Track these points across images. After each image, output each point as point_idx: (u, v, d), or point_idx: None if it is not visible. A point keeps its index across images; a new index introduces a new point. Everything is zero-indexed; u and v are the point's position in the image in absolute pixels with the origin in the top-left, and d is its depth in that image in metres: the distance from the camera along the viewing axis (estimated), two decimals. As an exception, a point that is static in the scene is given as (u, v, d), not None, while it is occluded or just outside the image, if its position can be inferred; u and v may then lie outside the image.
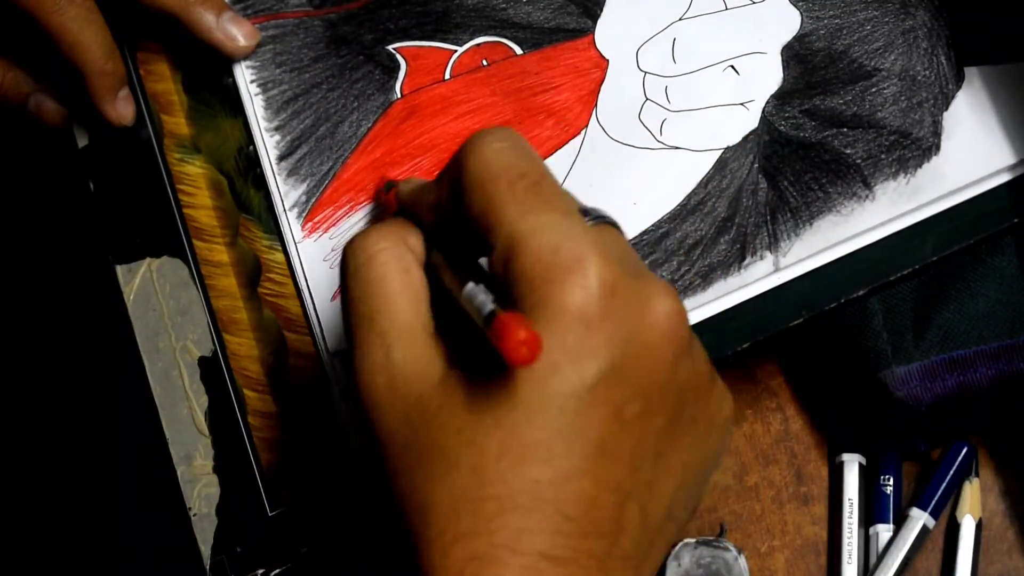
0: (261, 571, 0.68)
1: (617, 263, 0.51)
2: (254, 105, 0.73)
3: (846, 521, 0.72)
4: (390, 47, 0.73)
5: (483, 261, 0.53)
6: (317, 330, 0.70)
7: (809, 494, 0.73)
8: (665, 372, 0.52)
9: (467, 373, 0.52)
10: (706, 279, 0.69)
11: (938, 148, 0.69)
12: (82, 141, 0.74)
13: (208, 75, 0.74)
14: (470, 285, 0.51)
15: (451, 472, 0.51)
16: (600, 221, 0.54)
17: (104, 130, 0.73)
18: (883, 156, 0.69)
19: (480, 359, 0.51)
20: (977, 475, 0.72)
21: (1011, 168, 0.68)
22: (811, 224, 0.68)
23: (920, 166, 0.69)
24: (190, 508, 0.69)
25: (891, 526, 0.72)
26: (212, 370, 0.70)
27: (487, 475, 0.50)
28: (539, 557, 0.50)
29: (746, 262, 0.68)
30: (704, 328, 0.67)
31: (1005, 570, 0.72)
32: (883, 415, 0.71)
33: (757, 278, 0.68)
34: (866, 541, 0.72)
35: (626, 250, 0.53)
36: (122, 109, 0.72)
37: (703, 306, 0.68)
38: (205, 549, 0.68)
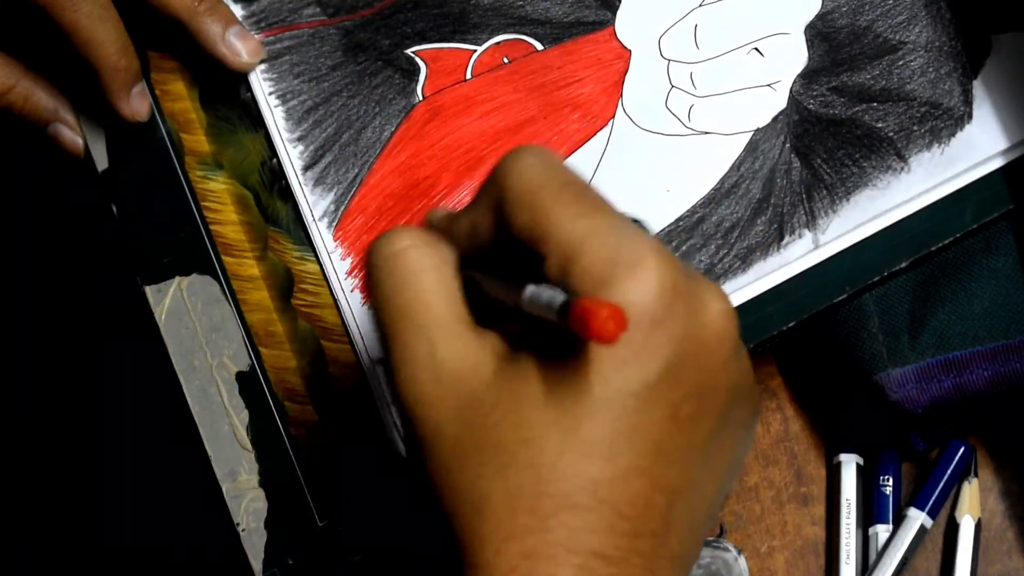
0: (314, 582, 0.67)
1: (675, 262, 0.51)
2: (274, 117, 0.72)
3: (843, 521, 0.72)
4: (408, 51, 0.73)
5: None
6: (357, 337, 0.69)
7: (809, 494, 0.73)
8: (718, 373, 0.51)
9: (520, 369, 0.51)
10: (745, 261, 0.68)
11: (970, 116, 0.69)
12: (102, 164, 0.73)
13: (225, 90, 0.73)
14: (531, 286, 0.50)
15: (507, 468, 0.50)
16: (635, 224, 0.54)
17: (123, 152, 0.73)
18: (915, 128, 0.69)
19: (534, 356, 0.51)
20: (976, 475, 0.72)
21: (1046, 131, 0.69)
22: (848, 199, 0.68)
23: (953, 135, 0.69)
24: (238, 524, 0.68)
25: (890, 526, 0.72)
26: (250, 384, 0.70)
27: (545, 472, 0.50)
28: (592, 556, 0.49)
29: (785, 241, 0.68)
30: (747, 310, 0.67)
31: (1005, 570, 0.72)
32: (880, 417, 0.70)
33: (797, 256, 0.68)
34: (865, 541, 0.72)
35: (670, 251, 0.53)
36: (136, 105, 0.71)
37: (744, 288, 0.67)
38: (256, 563, 0.68)
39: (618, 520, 0.50)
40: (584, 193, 0.52)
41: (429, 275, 0.54)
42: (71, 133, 0.73)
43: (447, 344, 0.52)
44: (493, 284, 0.54)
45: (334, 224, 0.71)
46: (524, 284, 0.51)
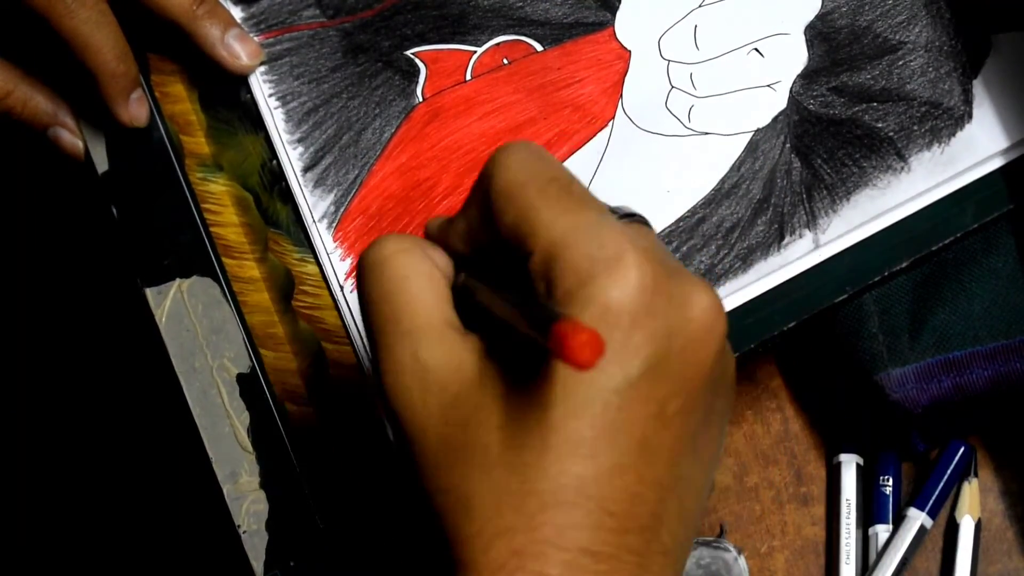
0: (316, 583, 0.67)
1: (656, 259, 0.51)
2: (274, 119, 0.72)
3: (843, 522, 0.72)
4: (408, 52, 0.73)
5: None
6: (357, 339, 0.69)
7: (809, 494, 0.73)
8: (704, 368, 0.51)
9: (504, 369, 0.51)
10: (746, 261, 0.68)
11: (970, 116, 0.69)
12: (102, 167, 0.73)
13: (225, 92, 0.73)
14: (517, 303, 0.50)
15: (492, 469, 0.50)
16: (630, 219, 0.54)
17: (123, 154, 0.73)
18: (915, 128, 0.69)
19: (517, 359, 0.51)
20: (976, 475, 0.72)
21: (1045, 131, 0.69)
22: (848, 199, 0.68)
23: (954, 135, 0.69)
24: (239, 525, 0.68)
25: (890, 526, 0.72)
26: (251, 386, 0.70)
27: (530, 471, 0.50)
28: (581, 552, 0.50)
29: (785, 241, 0.68)
30: (748, 310, 0.67)
31: (1005, 570, 0.71)
32: (880, 417, 0.70)
33: (798, 256, 0.68)
34: (865, 541, 0.72)
35: (660, 246, 0.53)
36: (135, 110, 0.71)
37: (745, 288, 0.67)
38: (257, 565, 0.68)
39: (605, 517, 0.50)
40: (569, 189, 0.52)
41: (414, 280, 0.54)
42: (71, 136, 0.73)
43: (430, 348, 0.52)
44: (486, 294, 0.53)
45: (334, 225, 0.71)
46: (512, 300, 0.51)
